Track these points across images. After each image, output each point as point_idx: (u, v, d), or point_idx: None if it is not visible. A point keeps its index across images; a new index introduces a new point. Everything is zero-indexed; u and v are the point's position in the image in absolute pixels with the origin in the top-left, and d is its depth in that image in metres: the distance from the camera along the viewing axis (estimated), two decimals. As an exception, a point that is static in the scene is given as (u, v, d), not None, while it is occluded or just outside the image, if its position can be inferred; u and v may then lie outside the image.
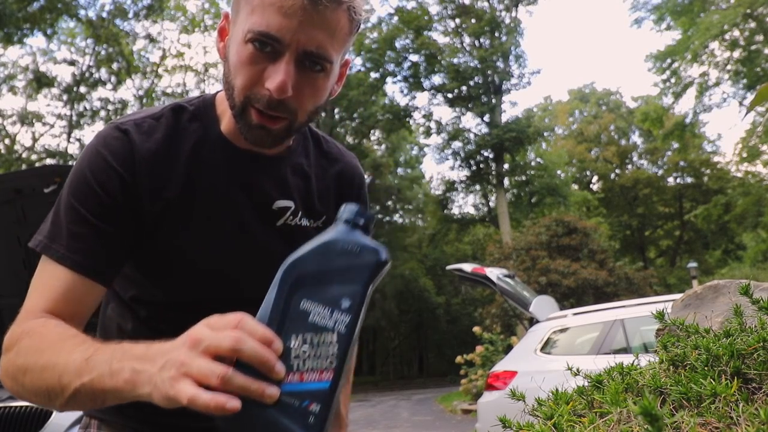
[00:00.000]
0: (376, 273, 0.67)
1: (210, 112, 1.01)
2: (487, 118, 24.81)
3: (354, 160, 1.18)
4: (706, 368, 0.70)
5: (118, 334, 1.04)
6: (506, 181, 25.63)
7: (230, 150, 0.99)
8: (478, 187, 27.79)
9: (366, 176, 1.20)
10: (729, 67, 20.77)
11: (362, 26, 0.93)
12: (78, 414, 3.05)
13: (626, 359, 0.84)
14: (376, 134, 28.77)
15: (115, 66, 22.79)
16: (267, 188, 1.02)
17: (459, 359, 12.63)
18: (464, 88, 24.49)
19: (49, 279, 0.88)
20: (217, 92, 1.05)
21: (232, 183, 0.99)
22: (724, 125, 58.09)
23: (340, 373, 0.63)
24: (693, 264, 17.41)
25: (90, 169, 0.91)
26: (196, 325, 0.65)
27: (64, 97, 23.35)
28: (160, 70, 25.49)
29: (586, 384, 0.79)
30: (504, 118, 24.92)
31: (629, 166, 34.08)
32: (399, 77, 25.30)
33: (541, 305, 6.68)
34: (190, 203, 0.97)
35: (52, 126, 23.70)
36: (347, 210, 0.69)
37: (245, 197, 1.00)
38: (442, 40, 25.51)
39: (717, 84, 21.41)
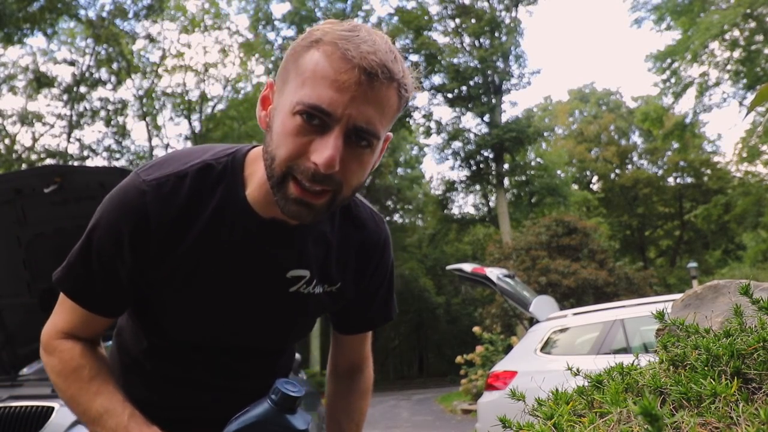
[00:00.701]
0: None
1: (238, 173, 0.98)
2: (487, 118, 24.80)
3: (379, 228, 1.12)
4: (706, 368, 0.70)
5: (132, 349, 1.14)
6: (506, 181, 25.61)
7: (251, 218, 0.97)
8: (478, 187, 27.77)
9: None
10: (729, 67, 20.75)
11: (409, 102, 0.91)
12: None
13: (626, 359, 0.84)
14: (376, 134, 28.70)
15: (115, 66, 22.77)
16: (283, 258, 1.01)
17: (459, 359, 12.63)
18: (464, 88, 24.47)
19: (69, 307, 1.02)
20: (249, 149, 1.01)
21: (247, 251, 0.99)
22: (724, 125, 58.08)
23: None
24: (693, 264, 17.40)
25: (105, 224, 0.96)
26: None
27: (64, 97, 23.35)
28: (160, 70, 25.49)
29: (586, 384, 0.79)
30: (504, 118, 24.91)
31: (629, 166, 34.06)
32: (399, 77, 25.23)
33: (541, 305, 6.68)
34: (199, 264, 0.98)
35: (52, 126, 23.69)
36: (277, 392, 0.85)
37: (259, 265, 1.00)
38: (442, 40, 25.51)
39: (717, 84, 21.40)
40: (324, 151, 0.81)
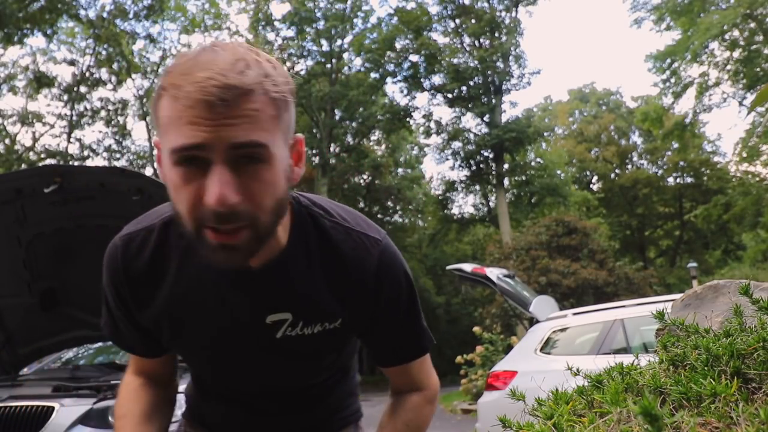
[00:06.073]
0: None
1: None
2: (487, 118, 24.78)
3: (358, 247, 1.01)
4: (706, 368, 0.70)
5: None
6: (506, 181, 25.60)
7: (214, 269, 0.93)
8: (478, 187, 27.76)
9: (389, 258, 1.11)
10: (729, 67, 20.76)
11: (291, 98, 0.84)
12: (78, 413, 3.04)
13: (626, 359, 0.84)
14: (376, 134, 28.75)
15: (115, 66, 22.77)
16: (255, 304, 0.98)
17: (459, 359, 12.62)
18: (464, 88, 24.46)
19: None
20: None
21: (217, 302, 0.99)
22: (724, 125, 58.10)
23: None
24: (693, 264, 17.38)
25: (103, 276, 1.05)
26: None
27: (64, 97, 23.35)
28: (160, 70, 25.48)
29: (586, 384, 0.79)
30: (504, 118, 24.89)
31: (629, 166, 34.05)
32: (399, 77, 25.29)
33: (541, 305, 6.68)
34: (178, 321, 1.03)
35: (52, 126, 23.69)
36: None
37: (232, 315, 1.00)
38: (442, 40, 25.51)
39: (717, 84, 21.41)
40: (211, 189, 0.77)
